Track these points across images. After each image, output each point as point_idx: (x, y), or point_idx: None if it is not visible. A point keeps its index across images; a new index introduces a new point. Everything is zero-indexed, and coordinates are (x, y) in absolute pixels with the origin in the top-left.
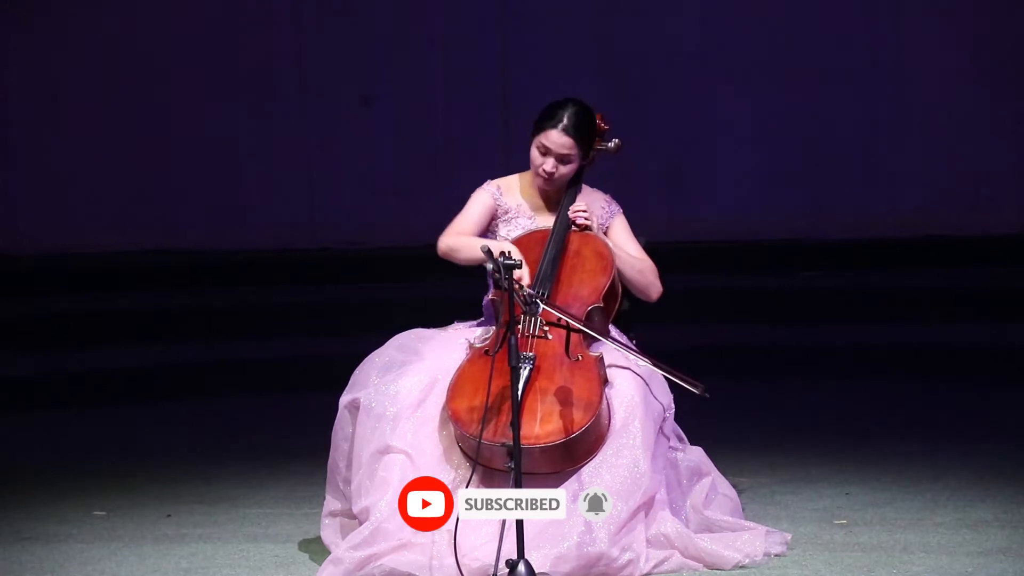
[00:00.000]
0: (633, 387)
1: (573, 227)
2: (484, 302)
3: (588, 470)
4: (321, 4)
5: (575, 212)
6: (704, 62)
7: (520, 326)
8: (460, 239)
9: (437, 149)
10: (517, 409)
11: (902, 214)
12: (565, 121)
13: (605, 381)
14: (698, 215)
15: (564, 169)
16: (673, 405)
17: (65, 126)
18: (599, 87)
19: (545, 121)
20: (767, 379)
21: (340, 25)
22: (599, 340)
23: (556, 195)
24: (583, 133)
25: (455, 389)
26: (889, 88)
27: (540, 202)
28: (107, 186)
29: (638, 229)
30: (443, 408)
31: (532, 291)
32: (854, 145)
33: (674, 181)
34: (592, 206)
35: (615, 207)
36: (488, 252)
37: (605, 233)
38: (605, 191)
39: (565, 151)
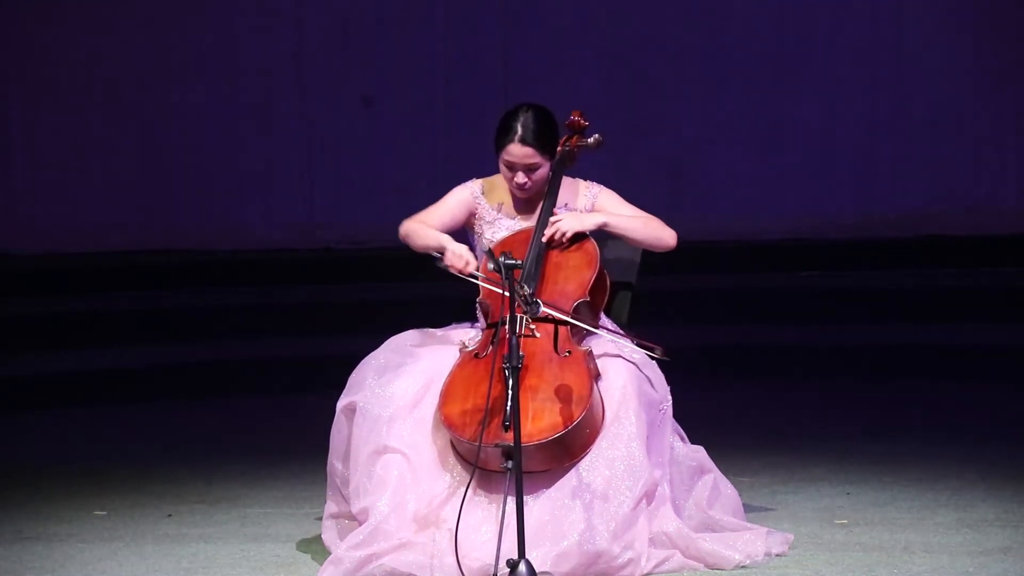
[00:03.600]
0: (625, 377)
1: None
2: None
3: (585, 465)
4: (321, 4)
5: (552, 228)
6: (704, 62)
7: (507, 325)
8: (419, 226)
9: (437, 149)
10: (516, 409)
11: (902, 214)
12: (520, 132)
13: (596, 374)
14: (698, 215)
15: (536, 176)
16: (670, 397)
17: (65, 126)
18: (599, 87)
19: (502, 136)
20: (767, 379)
21: (340, 25)
22: (589, 335)
23: (538, 190)
24: (542, 137)
25: (447, 394)
26: (889, 88)
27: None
28: (107, 186)
29: None
30: (435, 412)
31: (531, 290)
32: (854, 145)
33: (675, 181)
34: (573, 199)
35: (596, 188)
36: (490, 252)
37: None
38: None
39: (529, 160)
